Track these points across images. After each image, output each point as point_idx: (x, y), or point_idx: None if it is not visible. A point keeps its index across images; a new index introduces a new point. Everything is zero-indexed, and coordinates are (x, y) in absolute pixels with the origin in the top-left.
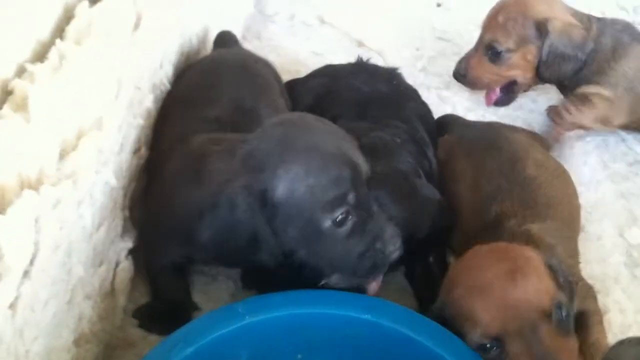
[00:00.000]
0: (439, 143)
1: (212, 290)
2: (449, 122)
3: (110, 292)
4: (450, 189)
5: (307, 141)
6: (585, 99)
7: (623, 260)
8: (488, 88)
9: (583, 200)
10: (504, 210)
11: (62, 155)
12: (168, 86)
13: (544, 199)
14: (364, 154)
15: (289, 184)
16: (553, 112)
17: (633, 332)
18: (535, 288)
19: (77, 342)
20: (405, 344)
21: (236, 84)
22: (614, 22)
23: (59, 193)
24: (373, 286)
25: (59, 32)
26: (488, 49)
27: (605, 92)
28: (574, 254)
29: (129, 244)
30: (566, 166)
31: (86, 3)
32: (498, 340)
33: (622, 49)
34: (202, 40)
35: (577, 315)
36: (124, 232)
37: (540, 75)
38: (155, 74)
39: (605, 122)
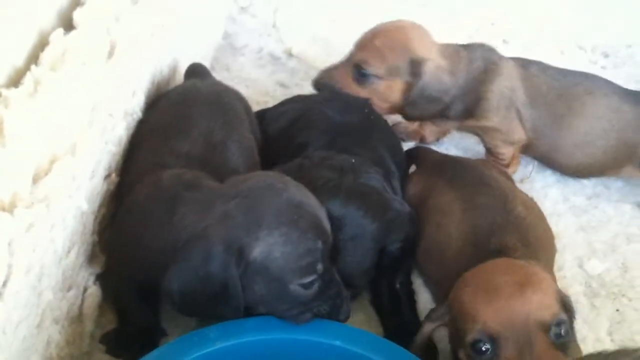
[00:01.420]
0: (412, 175)
1: (180, 316)
2: (421, 155)
3: (77, 317)
4: (433, 221)
5: (287, 210)
6: (483, 133)
7: (582, 290)
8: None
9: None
10: (505, 244)
11: (36, 180)
12: (140, 114)
13: (534, 240)
14: (332, 171)
15: (267, 247)
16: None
17: None
18: (540, 302)
19: None
20: None
21: (207, 117)
22: (481, 45)
23: (33, 216)
24: None
25: (34, 58)
26: (356, 68)
27: (487, 123)
28: None
29: (97, 269)
30: None
31: (61, 30)
32: (493, 342)
33: (494, 68)
34: (173, 70)
35: None
36: (93, 257)
37: (407, 113)
38: (128, 102)
39: (512, 142)
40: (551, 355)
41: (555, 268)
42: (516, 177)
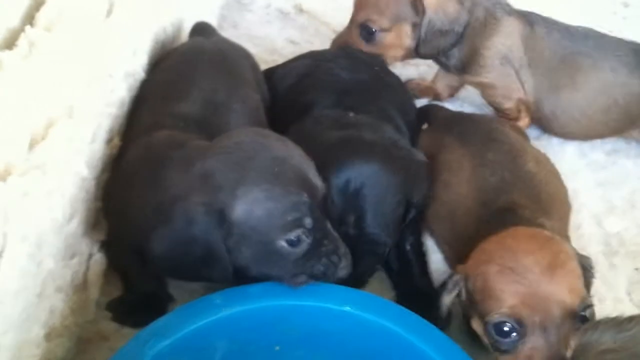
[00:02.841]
0: (423, 133)
1: (187, 282)
2: (432, 112)
3: (82, 285)
4: (443, 179)
5: (268, 165)
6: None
7: (601, 249)
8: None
9: None
10: (515, 201)
11: (32, 145)
12: (143, 75)
13: (545, 196)
14: (346, 129)
15: (248, 206)
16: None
17: None
18: (570, 286)
19: (48, 336)
20: (385, 336)
21: (210, 77)
22: None
23: (28, 184)
24: None
25: (29, 19)
26: (362, 29)
27: (484, 79)
28: None
29: (101, 236)
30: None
31: None
32: (520, 325)
33: (494, 23)
34: (178, 29)
35: None
36: (96, 224)
37: (420, 52)
38: (129, 62)
39: (511, 98)
40: (572, 341)
41: (573, 226)
42: (533, 133)
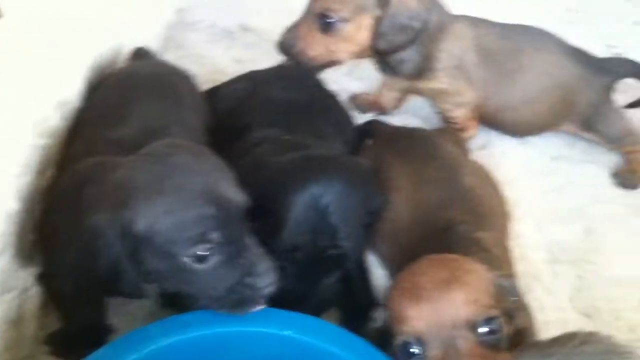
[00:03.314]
0: (364, 151)
1: (129, 311)
2: (374, 128)
3: (17, 321)
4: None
5: (172, 178)
6: (433, 96)
7: (544, 257)
8: (313, 62)
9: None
10: (453, 217)
11: None
12: (77, 102)
13: (483, 209)
14: (297, 147)
15: (150, 219)
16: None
17: (553, 329)
18: (467, 299)
19: None
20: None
21: (147, 101)
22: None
23: None
24: None
25: None
26: (320, 18)
27: (437, 84)
28: (511, 266)
29: (36, 269)
30: (489, 164)
31: None
32: (421, 343)
33: (446, 28)
34: (117, 54)
35: (517, 332)
36: (31, 257)
37: (377, 47)
38: (61, 91)
39: (463, 104)
40: (477, 354)
41: (516, 234)
42: (477, 142)
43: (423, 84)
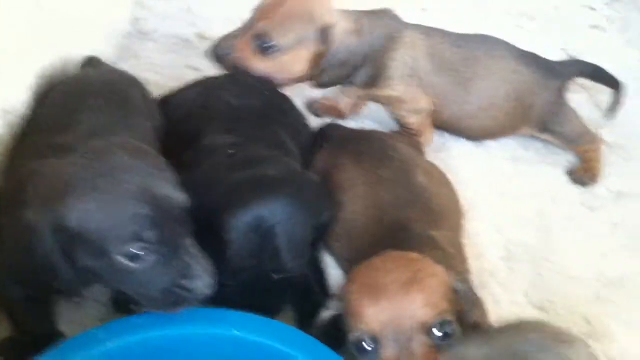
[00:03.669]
0: (318, 153)
1: (79, 317)
2: (328, 131)
3: None
4: (338, 198)
5: (108, 175)
6: (387, 103)
7: (501, 255)
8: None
9: (462, 198)
10: (408, 216)
11: None
12: (23, 111)
13: (437, 208)
14: (247, 165)
15: (82, 215)
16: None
17: None
18: (425, 302)
19: None
20: (276, 358)
21: (95, 107)
22: (384, 12)
23: None
24: None
25: None
26: (258, 39)
27: (390, 92)
28: (465, 262)
29: None
30: (446, 166)
31: None
32: (375, 341)
33: (397, 37)
34: (67, 62)
35: (472, 327)
36: None
37: (320, 82)
38: (7, 100)
39: (418, 111)
40: (430, 357)
41: (472, 234)
42: (434, 145)
43: (378, 92)
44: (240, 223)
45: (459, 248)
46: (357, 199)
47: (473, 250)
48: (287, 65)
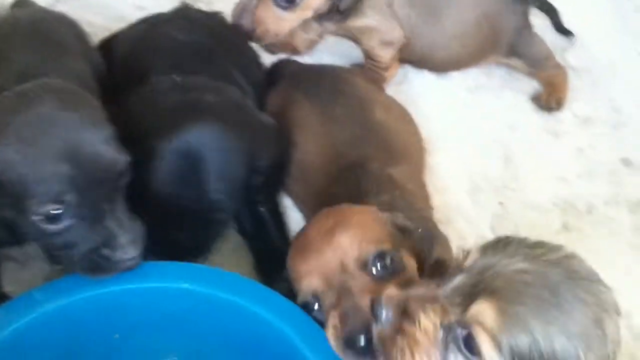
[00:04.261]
0: (272, 91)
1: (24, 277)
2: (281, 68)
3: None
4: (293, 138)
5: (32, 125)
6: (361, 34)
7: (465, 187)
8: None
9: (425, 131)
10: (365, 154)
11: None
12: None
13: (395, 143)
14: (190, 92)
15: (3, 165)
16: (367, 69)
17: None
18: (352, 241)
19: None
20: (230, 310)
21: (24, 49)
22: None
23: None
24: None
25: None
26: None
27: (367, 21)
28: (427, 199)
29: None
30: (407, 99)
31: None
32: (318, 298)
33: None
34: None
35: (436, 264)
36: None
37: (341, 7)
38: None
39: (390, 43)
40: (370, 290)
41: (436, 168)
42: (394, 79)
43: (352, 23)
44: (168, 146)
45: (420, 184)
46: (311, 138)
47: (437, 185)
48: (316, 5)
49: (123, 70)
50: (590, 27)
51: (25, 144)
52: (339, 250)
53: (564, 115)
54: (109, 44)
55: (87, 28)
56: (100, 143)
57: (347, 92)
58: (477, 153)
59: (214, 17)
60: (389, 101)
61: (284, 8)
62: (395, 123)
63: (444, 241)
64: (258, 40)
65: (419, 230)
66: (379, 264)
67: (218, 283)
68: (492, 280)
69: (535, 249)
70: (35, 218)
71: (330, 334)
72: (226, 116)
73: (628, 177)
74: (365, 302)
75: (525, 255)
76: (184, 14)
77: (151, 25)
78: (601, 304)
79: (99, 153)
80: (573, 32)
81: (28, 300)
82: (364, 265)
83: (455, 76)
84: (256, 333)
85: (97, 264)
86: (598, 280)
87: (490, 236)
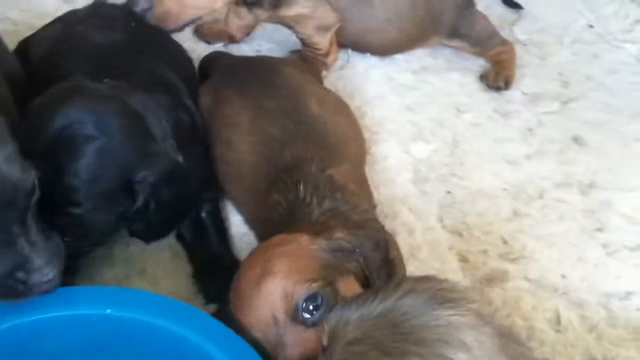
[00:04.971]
0: (202, 87)
1: None
2: (213, 61)
3: None
4: (223, 136)
5: None
6: (295, 23)
7: (411, 177)
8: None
9: (368, 119)
10: (299, 154)
11: None
12: None
13: (333, 138)
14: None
15: None
16: (303, 59)
17: (423, 253)
18: (278, 288)
19: None
20: (152, 332)
21: None
22: None
23: None
24: None
25: None
26: None
27: (302, 10)
28: (369, 196)
29: None
30: (350, 84)
31: None
32: (258, 346)
33: None
34: None
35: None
36: None
37: None
38: None
39: (326, 28)
40: (305, 340)
41: (380, 157)
42: (336, 63)
43: (285, 12)
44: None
45: (361, 182)
46: (244, 135)
47: (382, 176)
48: None
49: (41, 74)
50: None
51: None
52: (269, 300)
53: (513, 93)
54: (25, 46)
55: (10, 27)
56: (3, 162)
57: (279, 85)
58: (422, 139)
59: (128, 13)
60: (323, 92)
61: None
62: (332, 116)
63: (390, 239)
64: (159, 22)
65: (358, 249)
66: (311, 306)
67: (138, 306)
68: (333, 356)
69: (367, 305)
70: None
71: None
72: (108, 110)
73: (579, 155)
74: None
75: (359, 320)
76: (98, 11)
77: (66, 25)
78: (442, 336)
79: (3, 175)
80: (521, 3)
81: None
82: (295, 314)
83: (399, 58)
84: (181, 354)
85: (12, 289)
86: (436, 306)
87: (438, 228)
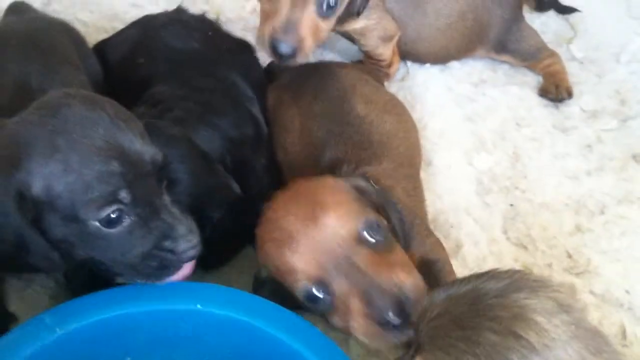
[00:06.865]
0: (268, 92)
1: (29, 295)
2: (277, 67)
3: None
4: (280, 140)
5: (68, 131)
6: (361, 35)
7: (474, 188)
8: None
9: (429, 130)
10: (338, 156)
11: None
12: None
13: (377, 138)
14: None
15: (45, 181)
16: (368, 67)
17: (489, 265)
18: (338, 218)
19: None
20: (242, 330)
21: (21, 60)
22: None
23: None
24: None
25: None
26: (321, 4)
27: (368, 22)
28: (416, 192)
29: None
30: (409, 96)
31: None
32: (323, 285)
33: None
34: None
35: (428, 265)
36: None
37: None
38: None
39: (389, 38)
40: (376, 262)
41: (443, 168)
42: (397, 74)
43: (351, 25)
44: None
45: (405, 180)
46: (296, 139)
47: (445, 186)
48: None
49: (119, 77)
50: (593, 14)
51: (64, 151)
52: (329, 231)
53: (572, 110)
54: (100, 51)
55: (80, 28)
56: (136, 137)
57: (331, 87)
58: (485, 150)
59: (208, 24)
60: (373, 92)
61: (327, 16)
62: (378, 116)
63: (435, 239)
64: (302, 57)
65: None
66: (373, 232)
67: (232, 303)
68: (420, 333)
69: (454, 287)
70: (94, 224)
71: (359, 321)
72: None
73: (638, 173)
74: (381, 277)
75: (441, 301)
76: (177, 19)
77: (145, 29)
78: (517, 315)
79: (140, 148)
80: (576, 14)
81: (38, 326)
82: (360, 239)
83: (459, 70)
84: (268, 352)
85: (161, 260)
86: (516, 290)
87: (502, 239)
